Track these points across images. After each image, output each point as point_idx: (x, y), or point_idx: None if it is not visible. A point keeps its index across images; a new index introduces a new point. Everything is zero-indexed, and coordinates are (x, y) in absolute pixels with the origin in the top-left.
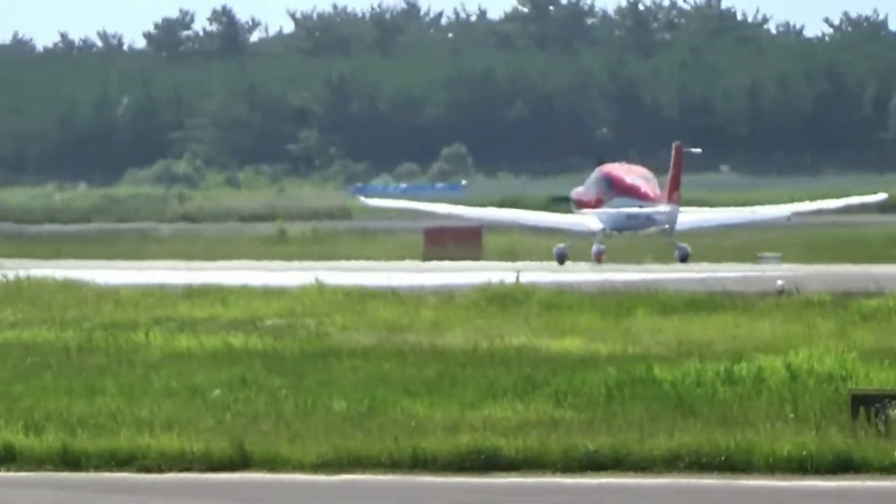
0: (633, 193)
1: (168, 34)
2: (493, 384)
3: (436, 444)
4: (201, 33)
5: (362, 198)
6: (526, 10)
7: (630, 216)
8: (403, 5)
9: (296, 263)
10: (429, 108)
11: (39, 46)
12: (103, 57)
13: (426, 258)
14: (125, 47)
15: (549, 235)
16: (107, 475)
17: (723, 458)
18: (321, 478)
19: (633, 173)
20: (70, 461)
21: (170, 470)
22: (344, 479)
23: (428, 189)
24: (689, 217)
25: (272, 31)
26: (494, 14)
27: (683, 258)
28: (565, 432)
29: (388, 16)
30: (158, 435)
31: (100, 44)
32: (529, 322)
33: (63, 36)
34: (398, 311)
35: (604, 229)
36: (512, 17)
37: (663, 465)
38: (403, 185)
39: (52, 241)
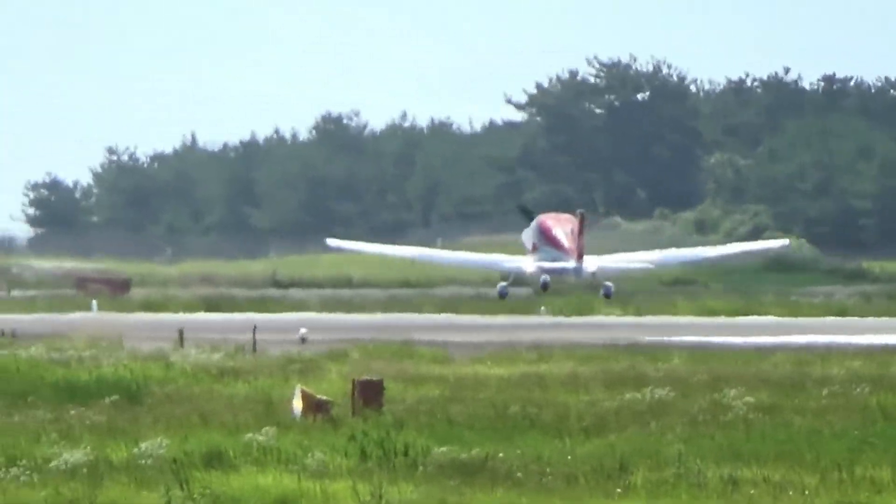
0: (554, 245)
1: None
2: None
3: None
4: None
5: (331, 242)
6: None
7: (547, 269)
8: None
9: None
10: None
11: None
12: None
13: None
14: None
15: None
16: None
17: None
18: None
19: (560, 225)
20: None
21: None
22: None
23: None
24: (608, 260)
25: None
26: None
27: (607, 295)
28: None
29: None
30: None
31: None
32: None
33: None
34: None
35: (537, 269)
36: None
37: None
38: None
39: None
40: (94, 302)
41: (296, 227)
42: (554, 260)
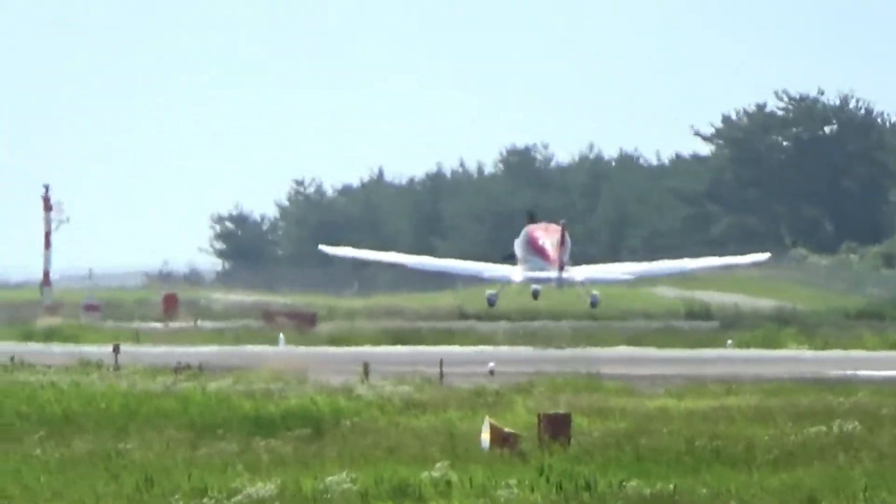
0: (541, 255)
1: None
2: None
3: None
4: None
5: (325, 248)
6: None
7: (532, 277)
8: None
9: None
10: None
11: None
12: None
13: None
14: None
15: None
16: None
17: None
18: None
19: (547, 235)
20: None
21: None
22: None
23: None
24: (592, 270)
25: None
26: None
27: (594, 304)
28: None
29: None
30: None
31: None
32: None
33: None
34: None
35: (525, 279)
36: None
37: None
38: None
39: None
40: (281, 335)
41: (482, 260)
42: (539, 270)
